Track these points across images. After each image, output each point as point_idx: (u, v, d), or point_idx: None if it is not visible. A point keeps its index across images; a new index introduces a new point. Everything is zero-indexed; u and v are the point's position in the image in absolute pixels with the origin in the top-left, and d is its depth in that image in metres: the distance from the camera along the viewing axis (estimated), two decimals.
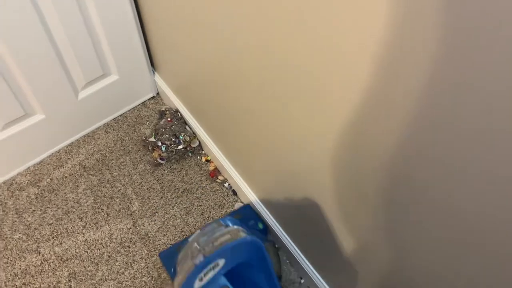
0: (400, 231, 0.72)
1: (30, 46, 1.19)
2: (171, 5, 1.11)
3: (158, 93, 1.67)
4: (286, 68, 0.77)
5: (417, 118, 0.54)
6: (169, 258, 1.28)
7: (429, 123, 0.53)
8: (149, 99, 1.66)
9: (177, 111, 1.54)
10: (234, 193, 1.43)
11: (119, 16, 1.31)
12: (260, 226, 1.28)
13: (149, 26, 1.38)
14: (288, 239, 1.22)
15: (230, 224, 0.82)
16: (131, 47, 1.44)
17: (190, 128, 1.51)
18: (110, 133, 1.56)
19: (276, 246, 1.28)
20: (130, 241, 1.31)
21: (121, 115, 1.61)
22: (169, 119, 1.52)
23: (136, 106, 1.63)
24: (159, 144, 1.47)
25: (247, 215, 1.31)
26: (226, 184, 1.44)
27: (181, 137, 1.47)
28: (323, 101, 0.72)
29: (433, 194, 0.60)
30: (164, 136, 1.47)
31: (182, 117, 1.53)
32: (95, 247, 1.30)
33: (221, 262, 0.74)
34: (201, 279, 0.73)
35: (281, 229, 1.24)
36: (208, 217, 1.36)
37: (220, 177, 1.46)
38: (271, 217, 1.27)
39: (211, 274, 0.74)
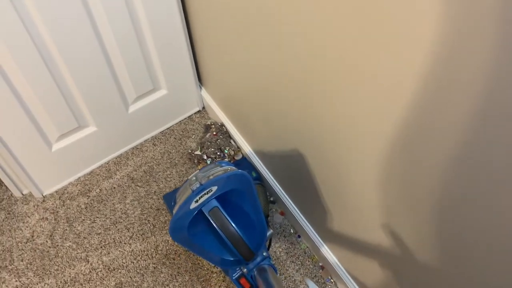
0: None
1: (86, 62, 1.24)
2: (221, 21, 1.13)
3: (204, 107, 1.70)
4: (337, 85, 0.76)
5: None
6: (171, 198, 1.38)
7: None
8: (195, 113, 1.69)
9: (222, 125, 1.56)
10: (273, 202, 1.43)
11: (170, 31, 1.35)
12: (254, 174, 1.42)
13: (198, 41, 1.41)
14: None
15: (225, 166, 0.95)
16: (180, 63, 1.47)
17: (235, 142, 1.52)
18: (158, 145, 1.59)
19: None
20: (175, 253, 1.33)
21: (168, 128, 1.64)
22: (214, 133, 1.54)
23: (182, 120, 1.66)
24: (205, 157, 1.49)
25: (243, 165, 1.45)
26: (269, 199, 1.43)
27: (226, 151, 1.49)
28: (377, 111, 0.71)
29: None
30: (209, 149, 1.49)
31: (227, 131, 1.55)
32: (141, 258, 1.32)
33: (214, 188, 0.86)
34: (196, 201, 0.85)
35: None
36: None
37: None
38: (319, 239, 1.26)
39: (205, 198, 0.86)
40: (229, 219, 0.89)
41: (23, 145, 1.30)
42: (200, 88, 1.63)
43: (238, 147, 1.52)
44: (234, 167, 0.94)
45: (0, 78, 1.13)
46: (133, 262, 1.32)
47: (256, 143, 1.39)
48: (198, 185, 0.84)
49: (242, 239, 0.90)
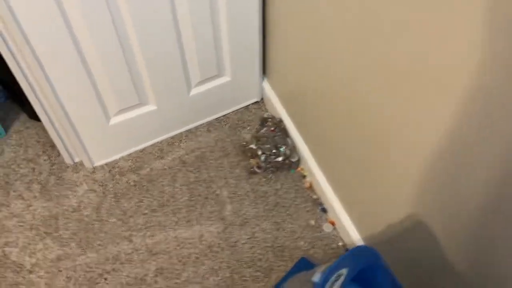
0: None
1: (158, 38, 1.20)
2: (300, 15, 1.08)
3: (262, 99, 1.65)
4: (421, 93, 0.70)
5: None
6: None
7: None
8: (252, 104, 1.64)
9: (280, 121, 1.51)
10: (324, 210, 1.38)
11: (245, 20, 1.31)
12: None
13: (270, 31, 1.35)
14: None
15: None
16: (249, 52, 1.42)
17: (292, 141, 1.47)
18: (212, 132, 1.55)
19: None
20: (219, 246, 1.30)
21: (224, 115, 1.60)
22: (271, 128, 1.49)
23: (239, 109, 1.62)
24: (259, 152, 1.44)
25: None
26: (320, 207, 1.38)
27: (281, 149, 1.44)
28: None
29: None
30: (265, 145, 1.44)
31: (284, 128, 1.50)
32: (184, 246, 1.30)
33: (344, 271, 0.73)
34: None
35: None
36: (297, 238, 1.32)
37: (314, 196, 1.41)
38: None
39: (337, 285, 0.72)
40: None
41: (82, 114, 1.29)
42: (262, 78, 1.58)
43: (294, 147, 1.46)
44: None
45: (71, 44, 1.11)
46: (176, 249, 1.29)
47: (315, 145, 1.34)
48: (319, 275, 0.72)
49: None
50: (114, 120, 1.36)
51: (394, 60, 0.78)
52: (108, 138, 1.40)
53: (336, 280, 0.72)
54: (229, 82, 1.49)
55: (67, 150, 1.41)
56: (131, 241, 1.31)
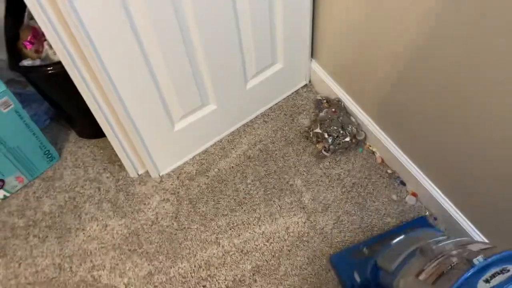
0: None
1: (219, 38, 1.18)
2: None
3: (310, 81, 1.62)
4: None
5: None
6: (341, 261, 1.21)
7: None
8: (301, 87, 1.61)
9: (339, 100, 1.48)
10: (403, 183, 1.36)
11: (298, 4, 1.27)
12: None
13: (319, 7, 1.33)
14: None
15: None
16: (300, 35, 1.40)
17: (356, 119, 1.44)
18: (269, 122, 1.52)
19: None
20: (307, 235, 1.28)
21: (276, 104, 1.57)
22: (333, 109, 1.46)
23: (290, 95, 1.59)
24: (326, 135, 1.41)
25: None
26: (398, 180, 1.36)
27: (348, 129, 1.41)
28: None
29: None
30: (331, 127, 1.41)
31: (345, 107, 1.47)
32: (273, 240, 1.28)
33: (511, 267, 0.69)
34: (486, 281, 0.68)
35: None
36: (384, 215, 1.30)
37: (389, 170, 1.39)
38: (461, 215, 1.19)
39: (500, 278, 0.68)
40: None
41: (149, 124, 1.26)
42: (310, 60, 1.55)
43: (359, 124, 1.44)
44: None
45: (140, 55, 1.07)
46: (266, 245, 1.27)
47: (382, 117, 1.32)
48: (480, 259, 0.69)
49: None
50: (178, 125, 1.33)
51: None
52: (173, 144, 1.36)
53: (500, 273, 0.69)
54: (281, 70, 1.46)
55: (132, 163, 1.37)
56: (219, 244, 1.28)
